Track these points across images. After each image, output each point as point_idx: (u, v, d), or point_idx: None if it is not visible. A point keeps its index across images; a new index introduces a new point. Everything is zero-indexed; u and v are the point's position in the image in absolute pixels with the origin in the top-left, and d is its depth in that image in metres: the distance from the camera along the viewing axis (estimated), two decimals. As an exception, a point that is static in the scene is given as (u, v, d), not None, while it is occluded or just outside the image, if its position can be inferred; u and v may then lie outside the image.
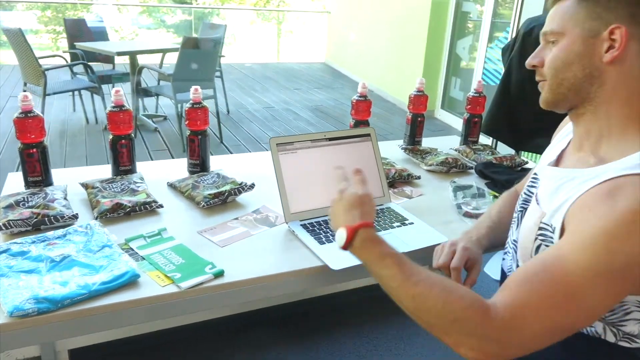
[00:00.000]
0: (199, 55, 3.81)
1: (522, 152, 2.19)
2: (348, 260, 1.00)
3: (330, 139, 1.30)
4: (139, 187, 1.33)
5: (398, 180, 1.51)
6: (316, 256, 1.08)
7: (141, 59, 4.36)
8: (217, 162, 1.59)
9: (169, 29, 11.04)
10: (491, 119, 2.05)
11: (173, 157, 3.91)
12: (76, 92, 4.71)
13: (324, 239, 1.14)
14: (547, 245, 0.86)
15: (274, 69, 8.43)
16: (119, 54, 4.14)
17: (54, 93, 3.96)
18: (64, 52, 4.74)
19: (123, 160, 1.41)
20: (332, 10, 8.83)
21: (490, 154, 1.75)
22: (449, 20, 5.46)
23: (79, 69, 4.57)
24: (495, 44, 4.82)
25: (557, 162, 0.98)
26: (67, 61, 4.28)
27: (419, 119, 1.80)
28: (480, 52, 4.95)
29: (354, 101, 1.65)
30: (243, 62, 8.69)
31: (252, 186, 1.35)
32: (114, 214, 1.21)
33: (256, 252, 1.11)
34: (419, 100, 1.78)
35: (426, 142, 1.85)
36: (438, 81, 5.63)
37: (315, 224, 1.20)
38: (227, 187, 1.33)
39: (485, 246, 1.04)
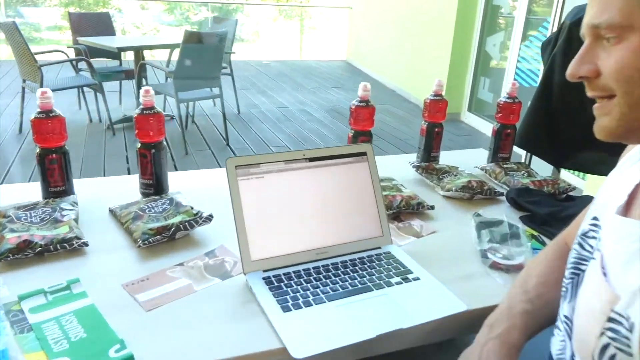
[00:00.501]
0: (203, 51, 3.53)
1: (564, 169, 1.83)
2: (319, 342, 0.70)
3: (312, 159, 0.98)
4: (64, 216, 1.03)
5: (405, 211, 1.17)
6: (275, 332, 0.76)
7: (158, 55, 4.10)
8: (181, 180, 1.28)
9: (193, 26, 10.86)
10: (526, 129, 1.69)
11: (174, 160, 3.64)
12: (82, 90, 4.49)
13: (290, 303, 0.82)
14: (621, 351, 0.54)
15: (293, 66, 8.13)
16: (120, 49, 3.89)
17: (53, 90, 3.72)
18: (68, 47, 4.52)
19: (54, 179, 1.11)
20: (354, 6, 8.47)
21: (526, 175, 1.39)
22: (478, 15, 5.06)
23: (84, 65, 4.34)
24: (530, 40, 4.41)
25: (629, 206, 0.65)
26: (67, 56, 4.05)
27: (436, 129, 1.46)
28: (513, 50, 4.55)
29: (353, 107, 1.32)
30: (260, 60, 8.42)
31: (209, 218, 1.04)
32: (20, 255, 0.91)
33: (193, 321, 0.79)
34: (437, 106, 1.44)
35: (446, 158, 1.51)
36: (465, 81, 5.23)
37: (283, 277, 0.88)
38: (177, 219, 1.02)
39: (521, 346, 0.70)
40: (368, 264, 0.94)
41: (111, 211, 1.10)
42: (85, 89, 4.36)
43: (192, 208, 1.06)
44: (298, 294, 0.84)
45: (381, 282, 0.89)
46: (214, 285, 0.88)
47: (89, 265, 0.92)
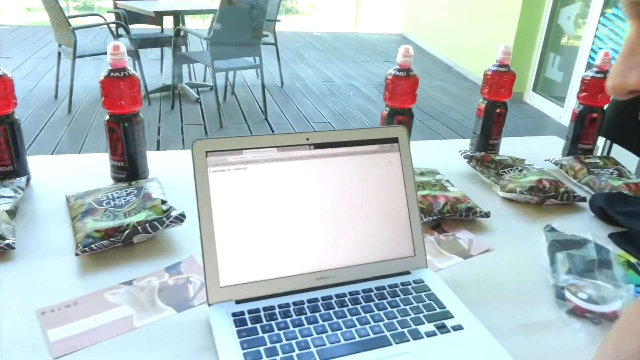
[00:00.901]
0: (240, 16, 3.26)
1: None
2: None
3: (319, 146, 0.70)
4: None
5: (449, 218, 0.87)
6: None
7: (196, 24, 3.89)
8: (170, 161, 1.03)
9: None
10: (612, 113, 1.33)
11: (207, 134, 3.44)
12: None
13: (262, 355, 0.55)
14: None
15: (345, 39, 7.74)
16: (158, 13, 3.69)
17: (88, 55, 3.59)
18: (108, 12, 4.37)
19: None
20: (414, -24, 7.94)
21: (617, 174, 1.05)
22: (551, -16, 4.52)
23: (123, 31, 4.18)
24: (613, 12, 3.86)
25: None
26: (105, 20, 3.90)
27: (498, 110, 1.13)
28: (591, 25, 4.02)
29: (390, 78, 1.02)
30: (311, 31, 8.08)
31: (179, 218, 0.78)
32: None
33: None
34: (501, 79, 1.11)
35: (508, 147, 1.18)
36: (532, 57, 4.72)
37: (263, 314, 0.61)
38: (138, 217, 0.76)
39: None
40: (389, 299, 0.66)
41: (68, 199, 0.86)
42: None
43: (162, 202, 0.80)
44: (277, 346, 0.57)
45: (405, 329, 0.61)
46: (163, 320, 0.62)
47: (6, 278, 0.68)
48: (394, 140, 0.73)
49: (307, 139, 0.69)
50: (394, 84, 1.00)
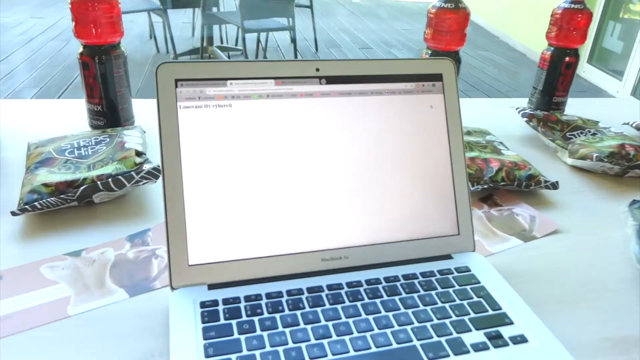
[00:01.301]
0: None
1: None
2: None
3: (332, 80, 0.51)
4: (-57, 150, 0.64)
5: (505, 187, 0.68)
6: None
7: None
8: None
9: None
10: None
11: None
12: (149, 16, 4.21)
13: (234, 377, 0.38)
14: None
15: (385, 6, 7.39)
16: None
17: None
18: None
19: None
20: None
21: None
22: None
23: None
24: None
25: None
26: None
27: (568, 59, 0.91)
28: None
29: (434, 12, 0.81)
30: (351, -2, 7.76)
31: (153, 174, 0.61)
32: None
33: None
34: (574, 19, 0.88)
35: (575, 108, 0.96)
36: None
37: (245, 304, 0.44)
38: (102, 171, 0.60)
39: None
40: (421, 292, 0.47)
41: (28, 149, 0.71)
42: (153, 18, 4.08)
43: (138, 154, 0.63)
44: (257, 355, 0.40)
45: (443, 338, 0.42)
46: (109, 307, 0.46)
47: None
48: (437, 77, 0.54)
49: (317, 70, 0.50)
50: (438, 18, 0.80)
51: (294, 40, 3.63)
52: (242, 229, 0.47)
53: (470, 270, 0.51)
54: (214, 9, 3.92)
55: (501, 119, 0.92)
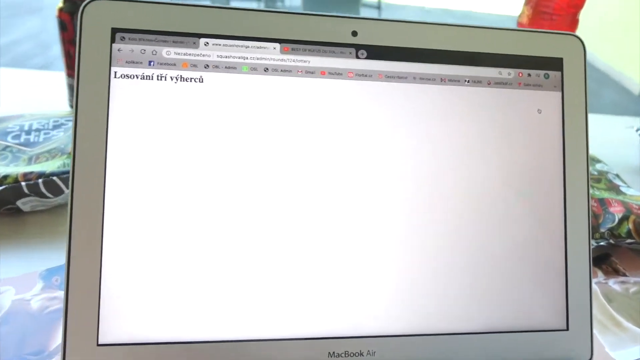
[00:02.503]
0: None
1: None
2: None
3: (375, 52, 0.30)
4: None
5: (631, 245, 0.45)
6: None
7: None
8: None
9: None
10: None
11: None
12: None
13: None
14: None
15: (456, 16, 7.08)
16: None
17: None
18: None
19: None
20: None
21: None
22: None
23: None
24: None
25: None
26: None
27: None
28: None
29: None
30: (423, 5, 7.48)
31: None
32: None
33: None
34: None
35: None
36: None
37: None
38: (39, 167, 0.42)
39: None
40: None
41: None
42: None
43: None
44: None
45: None
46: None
47: None
48: (554, 63, 0.32)
49: (354, 34, 0.30)
50: (541, -6, 0.57)
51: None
52: (196, 292, 0.28)
53: (588, 402, 0.29)
54: (278, 3, 3.79)
55: (612, 143, 0.68)
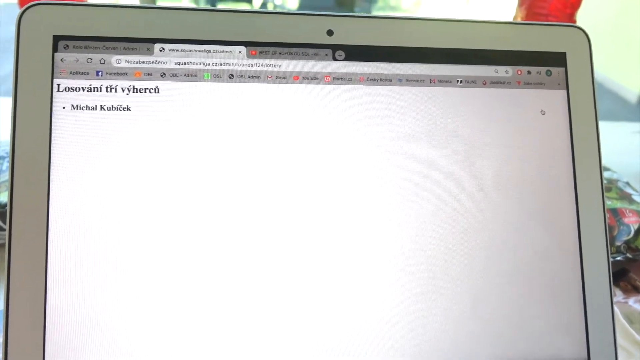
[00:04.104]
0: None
1: None
2: None
3: (354, 53, 0.27)
4: None
5: (648, 261, 0.41)
6: None
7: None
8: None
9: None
10: None
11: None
12: None
13: None
14: None
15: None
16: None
17: None
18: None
19: None
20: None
21: None
22: None
23: None
24: None
25: None
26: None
27: None
28: None
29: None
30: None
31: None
32: None
33: None
34: None
35: None
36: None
37: None
38: None
39: None
40: None
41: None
42: None
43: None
44: None
45: None
46: None
47: None
48: (557, 59, 0.29)
49: (330, 34, 0.27)
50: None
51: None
52: (157, 327, 0.24)
53: None
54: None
55: (614, 150, 0.64)
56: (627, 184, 0.52)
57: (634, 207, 0.45)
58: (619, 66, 4.04)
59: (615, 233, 0.41)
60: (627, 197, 0.48)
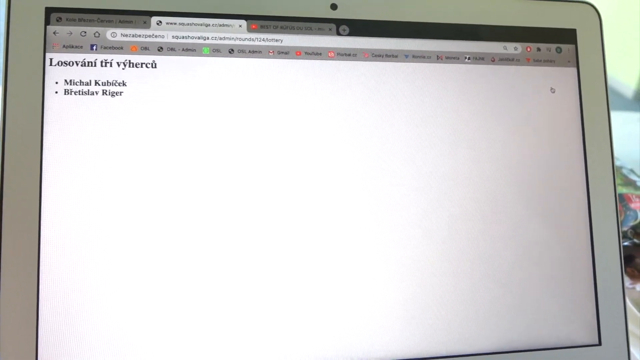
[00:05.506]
0: None
1: None
2: None
3: (359, 28, 0.26)
4: None
5: (655, 247, 0.40)
6: None
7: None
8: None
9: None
10: None
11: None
12: None
13: None
14: None
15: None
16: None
17: None
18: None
19: None
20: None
21: None
22: None
23: None
24: None
25: None
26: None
27: None
28: None
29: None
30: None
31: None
32: None
33: None
34: None
35: None
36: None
37: None
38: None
39: None
40: None
41: None
42: None
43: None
44: None
45: None
46: None
47: None
48: (567, 35, 0.28)
49: (334, 7, 0.26)
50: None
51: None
52: (156, 326, 0.23)
53: None
54: None
55: (621, 137, 0.64)
56: (632, 171, 0.51)
57: (636, 192, 0.44)
58: (615, 61, 4.02)
59: (622, 218, 0.40)
60: (632, 184, 0.47)
